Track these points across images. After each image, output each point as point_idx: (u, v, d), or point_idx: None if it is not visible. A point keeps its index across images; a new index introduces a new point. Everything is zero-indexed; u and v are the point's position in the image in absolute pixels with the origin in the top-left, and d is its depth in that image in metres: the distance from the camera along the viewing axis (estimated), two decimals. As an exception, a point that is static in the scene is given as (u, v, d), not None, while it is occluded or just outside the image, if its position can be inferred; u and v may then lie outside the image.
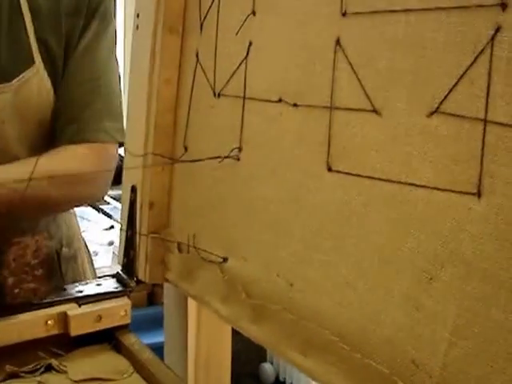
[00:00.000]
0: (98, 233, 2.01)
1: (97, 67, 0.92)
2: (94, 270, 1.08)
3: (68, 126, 0.89)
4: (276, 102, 0.63)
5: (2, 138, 0.85)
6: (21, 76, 0.83)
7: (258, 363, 2.58)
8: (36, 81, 0.85)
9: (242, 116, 0.68)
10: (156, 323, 1.28)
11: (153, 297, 2.38)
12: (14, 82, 0.82)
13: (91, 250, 1.91)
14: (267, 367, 2.56)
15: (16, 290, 0.88)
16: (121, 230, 0.86)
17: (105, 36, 0.92)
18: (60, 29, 0.86)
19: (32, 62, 0.84)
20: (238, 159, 0.69)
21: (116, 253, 1.77)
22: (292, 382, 2.51)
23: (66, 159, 0.88)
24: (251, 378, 2.56)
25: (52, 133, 0.91)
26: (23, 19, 0.83)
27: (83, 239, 1.07)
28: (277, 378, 2.58)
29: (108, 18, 0.92)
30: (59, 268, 0.96)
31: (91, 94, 0.91)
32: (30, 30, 0.84)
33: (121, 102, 0.95)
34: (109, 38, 0.93)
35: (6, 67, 0.82)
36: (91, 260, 1.09)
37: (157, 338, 1.18)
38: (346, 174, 0.56)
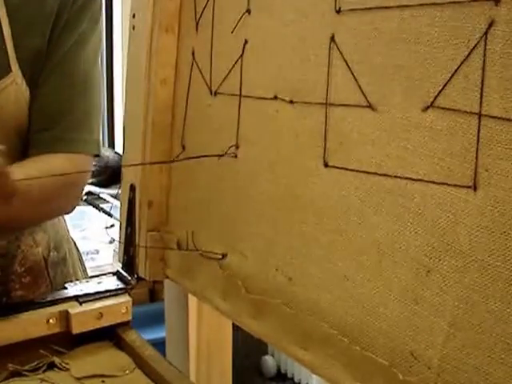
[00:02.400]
0: (98, 231, 2.01)
1: (78, 73, 0.87)
2: (84, 269, 1.07)
3: (43, 134, 0.85)
4: (272, 99, 0.63)
5: None
6: None
7: (259, 356, 2.58)
8: (13, 89, 0.82)
9: (239, 114, 0.68)
10: (158, 319, 1.28)
11: (154, 293, 2.39)
12: None
13: (92, 249, 1.92)
14: (268, 360, 2.57)
15: (4, 299, 0.88)
16: (120, 228, 0.86)
17: (91, 41, 0.88)
18: (43, 36, 0.83)
19: (9, 70, 0.81)
20: (235, 156, 0.69)
21: (117, 250, 1.77)
22: (293, 374, 2.51)
23: (42, 170, 0.81)
24: (253, 370, 2.57)
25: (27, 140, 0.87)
26: (0, 26, 0.80)
27: (73, 240, 1.06)
28: (278, 370, 2.58)
29: (93, 22, 0.88)
30: (47, 274, 0.95)
31: (70, 101, 0.86)
32: (7, 38, 0.81)
33: (100, 113, 0.91)
34: (95, 43, 0.89)
35: None
36: (82, 259, 1.08)
37: (159, 334, 1.19)
38: (343, 169, 0.56)
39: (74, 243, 1.06)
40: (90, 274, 1.13)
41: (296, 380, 2.50)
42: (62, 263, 0.98)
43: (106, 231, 2.02)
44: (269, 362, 2.56)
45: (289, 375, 2.54)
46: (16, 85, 0.82)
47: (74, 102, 0.87)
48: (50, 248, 0.96)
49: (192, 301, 0.89)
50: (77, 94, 0.87)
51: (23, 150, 0.87)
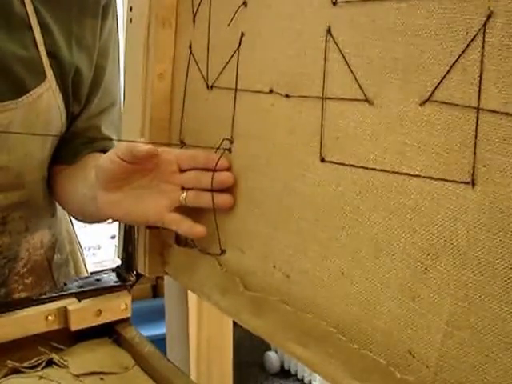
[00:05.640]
0: (100, 227, 2.02)
1: (116, 89, 0.95)
2: (85, 268, 1.08)
3: (94, 137, 0.92)
4: (267, 93, 0.63)
5: (4, 155, 0.82)
6: (32, 92, 0.80)
7: (262, 352, 2.59)
8: (47, 96, 0.82)
9: (234, 108, 0.68)
10: (161, 315, 1.29)
11: (157, 289, 2.40)
12: (23, 97, 0.80)
13: (94, 244, 1.93)
14: (272, 356, 2.57)
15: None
16: (119, 224, 0.86)
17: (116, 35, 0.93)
18: (70, 43, 0.85)
19: (44, 76, 0.82)
20: (230, 151, 0.68)
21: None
22: (297, 370, 2.52)
23: None
24: (256, 366, 2.58)
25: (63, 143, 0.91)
26: (33, 34, 0.81)
27: (77, 240, 1.06)
28: (282, 366, 2.59)
29: (116, 15, 0.92)
30: (51, 275, 0.95)
31: (112, 104, 0.94)
32: (40, 45, 0.81)
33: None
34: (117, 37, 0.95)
35: (18, 83, 0.80)
36: (84, 260, 1.08)
37: (162, 330, 1.19)
38: (340, 164, 0.55)
39: (79, 243, 1.06)
40: (91, 269, 1.13)
41: (299, 376, 2.51)
42: (65, 265, 0.99)
43: (107, 226, 2.02)
44: (272, 357, 2.56)
45: (292, 371, 2.54)
46: (51, 91, 0.83)
47: (113, 104, 0.95)
48: (55, 249, 0.96)
49: (192, 297, 0.89)
50: (115, 91, 0.95)
51: (50, 156, 0.90)
